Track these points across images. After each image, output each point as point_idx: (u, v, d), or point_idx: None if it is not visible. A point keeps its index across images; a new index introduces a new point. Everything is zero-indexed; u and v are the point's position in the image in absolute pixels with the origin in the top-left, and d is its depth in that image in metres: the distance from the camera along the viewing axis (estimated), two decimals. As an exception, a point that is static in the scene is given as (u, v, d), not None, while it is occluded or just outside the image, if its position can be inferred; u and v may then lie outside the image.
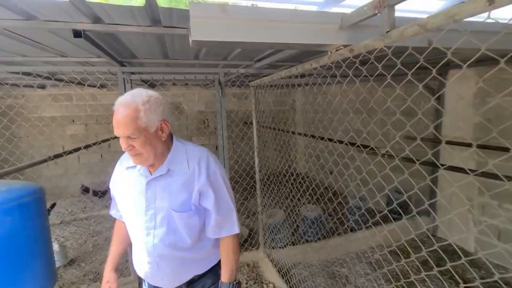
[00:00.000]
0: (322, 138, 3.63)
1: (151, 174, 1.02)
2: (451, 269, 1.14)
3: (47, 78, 2.21)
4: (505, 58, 0.79)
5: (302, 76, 2.91)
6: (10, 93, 3.94)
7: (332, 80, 1.98)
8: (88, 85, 4.80)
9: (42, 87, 5.18)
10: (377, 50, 1.02)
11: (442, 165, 3.26)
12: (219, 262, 1.14)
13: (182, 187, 1.01)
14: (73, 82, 2.22)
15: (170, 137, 1.07)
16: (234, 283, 1.09)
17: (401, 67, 1.03)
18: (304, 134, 4.95)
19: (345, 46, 1.21)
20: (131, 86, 2.35)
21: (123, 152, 1.04)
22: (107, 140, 4.12)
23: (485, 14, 0.71)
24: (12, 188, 1.38)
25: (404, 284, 2.37)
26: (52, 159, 2.11)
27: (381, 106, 1.75)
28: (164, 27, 1.32)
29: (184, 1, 3.79)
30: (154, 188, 1.01)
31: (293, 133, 4.49)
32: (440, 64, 1.04)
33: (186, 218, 1.01)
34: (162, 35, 1.47)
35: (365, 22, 1.12)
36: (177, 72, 2.38)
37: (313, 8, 1.37)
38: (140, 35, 1.45)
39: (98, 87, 5.24)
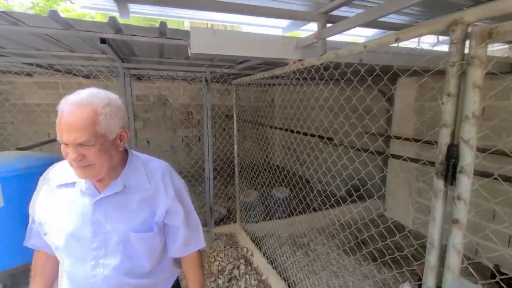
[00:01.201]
0: (293, 131, 4.18)
1: (99, 192, 0.87)
2: (389, 240, 1.69)
3: (57, 70, 2.54)
4: (429, 73, 1.34)
5: (276, 77, 3.43)
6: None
7: (294, 82, 2.52)
8: (74, 74, 5.04)
9: (29, 74, 5.31)
10: (315, 65, 1.54)
11: (392, 155, 3.92)
12: (175, 283, 1.08)
13: (141, 205, 0.90)
14: (60, 71, 2.55)
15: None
16: None
17: (327, 79, 1.57)
18: (280, 128, 5.50)
19: (299, 60, 1.73)
20: (130, 79, 2.74)
21: None
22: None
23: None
24: (44, 156, 1.78)
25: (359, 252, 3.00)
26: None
27: (344, 106, 2.24)
28: (168, 38, 1.77)
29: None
30: (104, 209, 0.86)
31: (270, 127, 5.01)
32: (355, 76, 1.58)
33: (148, 239, 0.90)
34: (172, 42, 1.90)
35: (312, 45, 1.64)
36: (170, 69, 2.80)
37: (279, 30, 1.85)
38: (148, 42, 1.88)
39: (84, 77, 5.46)
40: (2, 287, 1.57)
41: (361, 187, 2.19)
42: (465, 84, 0.82)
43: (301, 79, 1.96)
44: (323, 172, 2.71)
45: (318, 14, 1.46)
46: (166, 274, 1.02)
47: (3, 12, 1.24)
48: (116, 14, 1.43)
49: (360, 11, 1.50)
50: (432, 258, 0.95)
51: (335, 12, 1.50)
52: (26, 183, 1.64)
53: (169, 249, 1.00)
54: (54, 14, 1.33)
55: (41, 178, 0.96)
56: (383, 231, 1.75)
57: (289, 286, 2.28)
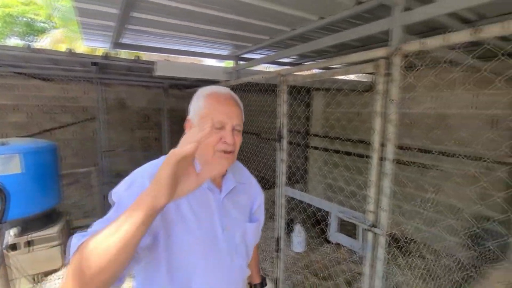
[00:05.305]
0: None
1: (218, 189, 0.86)
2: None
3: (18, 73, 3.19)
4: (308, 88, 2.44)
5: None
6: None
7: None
8: (33, 77, 5.39)
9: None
10: (233, 84, 2.60)
11: (315, 147, 5.22)
12: None
13: (246, 197, 0.95)
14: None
15: None
16: (264, 280, 1.15)
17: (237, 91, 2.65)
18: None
19: (226, 81, 2.77)
20: (101, 86, 3.50)
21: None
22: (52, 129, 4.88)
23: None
24: (45, 142, 2.52)
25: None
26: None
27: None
28: (140, 63, 2.67)
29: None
30: (226, 204, 0.87)
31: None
32: (275, 89, 2.67)
33: (256, 228, 0.96)
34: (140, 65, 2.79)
35: (232, 72, 2.70)
36: (136, 79, 3.65)
37: (213, 60, 2.90)
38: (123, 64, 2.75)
39: (42, 79, 5.80)
40: (19, 230, 2.25)
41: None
42: (281, 100, 1.93)
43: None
44: (262, 165, 3.79)
45: (233, 56, 2.53)
46: None
47: (39, 49, 2.04)
48: (108, 50, 2.32)
49: (259, 55, 2.61)
50: (278, 180, 2.04)
51: (245, 55, 2.59)
52: (38, 157, 2.38)
53: None
54: (69, 50, 2.16)
55: (127, 188, 0.72)
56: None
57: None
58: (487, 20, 1.65)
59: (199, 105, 0.80)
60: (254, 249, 1.05)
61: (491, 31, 0.94)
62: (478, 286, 1.96)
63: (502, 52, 1.13)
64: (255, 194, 0.99)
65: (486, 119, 2.66)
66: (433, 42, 1.09)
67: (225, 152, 0.77)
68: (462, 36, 1.01)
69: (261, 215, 1.01)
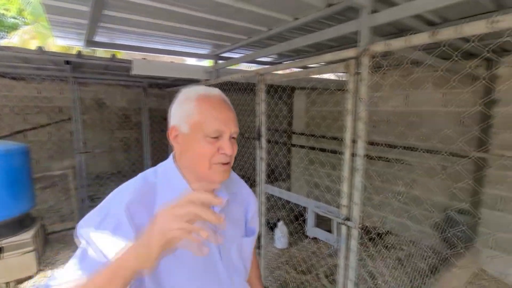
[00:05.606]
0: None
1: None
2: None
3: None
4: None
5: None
6: None
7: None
8: (1, 76, 5.11)
9: None
10: (213, 84, 2.60)
11: (292, 144, 5.30)
12: None
13: (239, 208, 0.86)
14: None
15: None
16: None
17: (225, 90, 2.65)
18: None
19: (206, 80, 2.77)
20: (77, 85, 3.38)
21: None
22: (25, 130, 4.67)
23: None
24: (16, 144, 2.41)
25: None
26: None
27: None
28: (116, 62, 2.61)
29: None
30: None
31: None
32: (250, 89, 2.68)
33: (252, 241, 0.88)
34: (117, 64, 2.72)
35: (212, 71, 2.69)
36: (119, 79, 3.56)
37: (194, 59, 2.88)
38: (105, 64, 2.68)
39: (12, 78, 5.50)
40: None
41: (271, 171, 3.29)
42: (260, 99, 1.96)
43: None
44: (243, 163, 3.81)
45: (212, 55, 2.53)
46: None
47: (5, 46, 1.95)
48: (81, 48, 2.25)
49: (238, 55, 2.62)
50: (258, 178, 2.07)
51: (224, 55, 2.59)
52: (8, 160, 2.27)
53: None
54: (39, 48, 2.08)
55: (123, 207, 0.63)
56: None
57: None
58: (450, 22, 1.75)
59: (188, 110, 0.68)
60: (253, 262, 0.99)
61: (446, 33, 1.01)
62: (445, 272, 2.09)
63: (456, 53, 1.21)
64: (248, 201, 0.90)
65: (452, 116, 2.82)
66: (397, 43, 1.15)
67: (223, 163, 0.69)
68: (422, 38, 1.08)
69: (256, 224, 0.93)
